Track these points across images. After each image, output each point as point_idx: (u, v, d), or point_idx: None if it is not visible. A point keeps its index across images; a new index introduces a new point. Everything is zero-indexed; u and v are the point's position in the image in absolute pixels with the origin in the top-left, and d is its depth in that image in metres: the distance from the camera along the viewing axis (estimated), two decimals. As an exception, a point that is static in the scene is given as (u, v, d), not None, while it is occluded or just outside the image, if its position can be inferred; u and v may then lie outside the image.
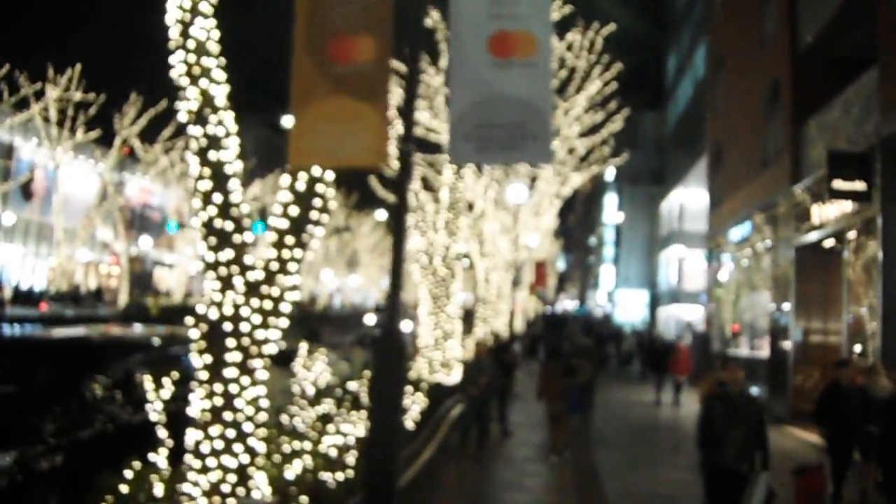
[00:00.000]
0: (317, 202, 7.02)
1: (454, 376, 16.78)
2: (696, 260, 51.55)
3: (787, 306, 20.28)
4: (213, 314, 6.83)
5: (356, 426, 11.77)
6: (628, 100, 33.83)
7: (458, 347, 17.64)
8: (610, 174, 79.26)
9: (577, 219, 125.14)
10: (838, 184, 14.23)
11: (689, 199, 51.10)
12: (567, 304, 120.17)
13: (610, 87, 31.08)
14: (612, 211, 77.80)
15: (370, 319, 50.99)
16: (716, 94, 31.13)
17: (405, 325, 45.29)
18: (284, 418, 11.08)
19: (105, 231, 51.01)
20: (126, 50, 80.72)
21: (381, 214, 73.24)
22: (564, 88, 31.42)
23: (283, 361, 16.67)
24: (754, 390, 22.55)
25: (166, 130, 45.85)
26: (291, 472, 8.07)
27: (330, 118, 6.02)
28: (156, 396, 7.44)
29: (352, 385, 13.81)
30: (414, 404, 13.81)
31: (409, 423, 13.33)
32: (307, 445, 8.67)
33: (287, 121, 6.62)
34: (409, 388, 14.21)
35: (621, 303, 72.18)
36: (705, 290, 31.61)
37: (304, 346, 12.32)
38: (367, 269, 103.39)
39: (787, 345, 19.99)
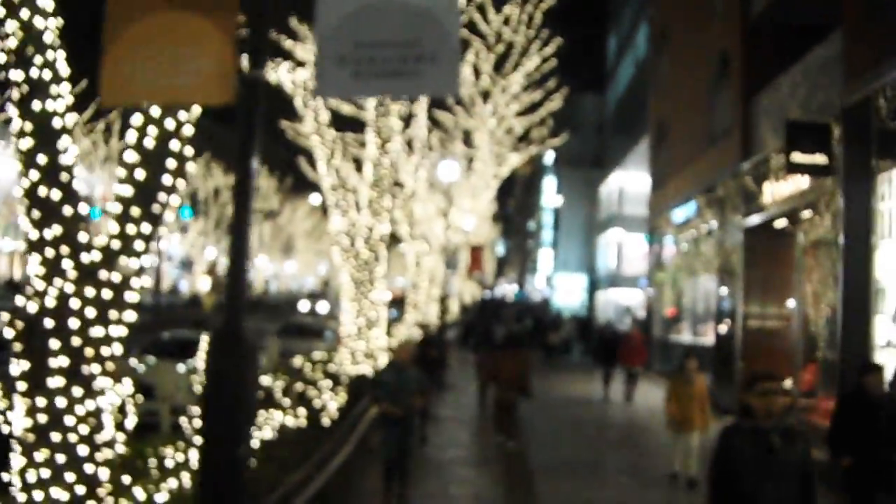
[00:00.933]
0: (170, 163, 5.49)
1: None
2: (636, 244, 51.36)
3: (730, 290, 19.22)
4: (33, 307, 5.28)
5: (263, 428, 10.31)
6: (568, 79, 32.75)
7: (385, 336, 16.16)
8: (549, 157, 78.74)
9: (516, 203, 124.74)
10: (797, 157, 12.95)
11: (629, 182, 50.51)
12: (506, 288, 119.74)
13: (549, 65, 29.97)
14: (550, 194, 76.93)
15: (304, 306, 49.38)
16: (659, 70, 29.99)
17: (321, 309, 43.58)
18: (184, 421, 9.79)
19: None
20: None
21: (316, 198, 71.65)
22: (502, 65, 30.19)
23: (183, 353, 15.18)
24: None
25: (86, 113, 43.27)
26: (164, 493, 6.56)
27: (155, 39, 4.43)
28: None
29: (264, 380, 12.36)
30: (331, 401, 12.38)
31: (326, 420, 11.93)
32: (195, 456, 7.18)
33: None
34: (327, 383, 12.79)
35: (560, 287, 71.34)
36: (646, 274, 30.45)
37: (203, 338, 10.90)
38: (303, 255, 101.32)
39: (732, 331, 18.90)
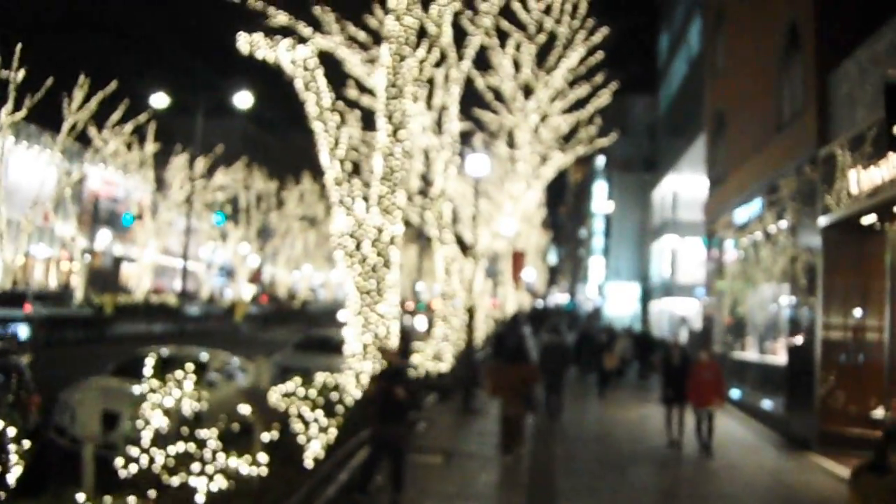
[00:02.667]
0: None
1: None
2: (692, 250, 49.06)
3: (805, 300, 16.49)
4: None
5: (212, 479, 8.05)
6: (617, 75, 30.35)
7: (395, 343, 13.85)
8: (600, 161, 76.32)
9: (567, 210, 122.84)
10: (902, 128, 10.25)
11: (683, 185, 48.92)
12: (558, 298, 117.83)
13: (596, 57, 27.57)
14: (601, 200, 74.30)
15: (343, 316, 47.32)
16: (715, 55, 27.22)
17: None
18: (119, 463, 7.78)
19: (63, 225, 47.98)
20: (71, 32, 77.23)
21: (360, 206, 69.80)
22: (544, 57, 27.84)
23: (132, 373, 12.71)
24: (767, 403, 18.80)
25: (115, 114, 41.80)
26: None
27: None
28: None
29: (243, 409, 10.14)
30: (316, 439, 10.10)
31: (309, 461, 9.70)
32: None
33: None
34: (316, 413, 10.50)
35: (611, 296, 68.61)
36: (703, 282, 27.58)
37: (151, 358, 8.80)
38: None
39: (808, 347, 16.14)
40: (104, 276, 59.43)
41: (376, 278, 12.99)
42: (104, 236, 54.45)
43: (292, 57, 12.97)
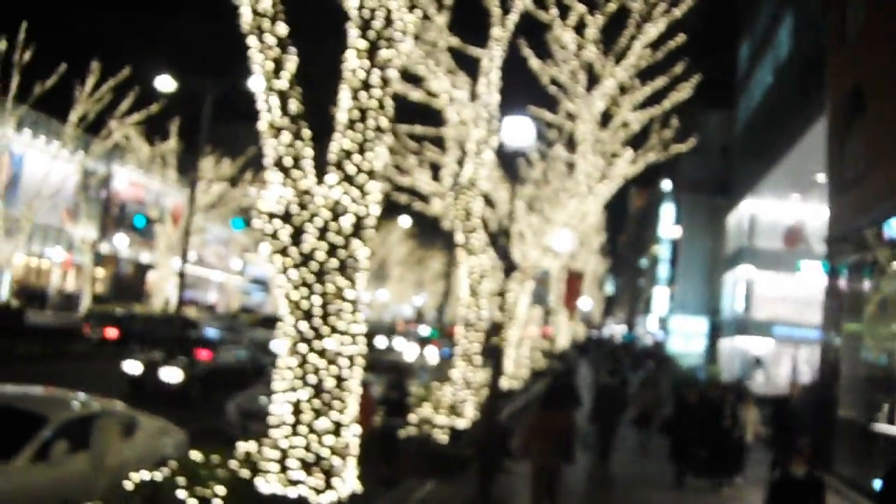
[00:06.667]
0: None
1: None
2: (770, 282, 44.14)
3: None
4: None
5: None
6: (699, 64, 25.07)
7: (356, 425, 8.21)
8: (666, 185, 70.72)
9: (627, 238, 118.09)
10: None
11: (762, 210, 44.49)
12: (614, 329, 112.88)
13: (676, 41, 22.27)
14: (668, 224, 68.52)
15: (381, 342, 41.55)
16: (844, 20, 20.99)
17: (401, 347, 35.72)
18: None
19: (82, 228, 44.50)
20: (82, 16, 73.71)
21: (406, 220, 65.21)
22: (615, 35, 22.58)
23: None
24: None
25: (124, 104, 37.29)
26: None
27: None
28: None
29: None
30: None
31: None
32: None
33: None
34: None
35: (676, 330, 62.60)
36: (823, 319, 20.89)
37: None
38: (396, 284, 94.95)
39: None
40: (127, 285, 55.71)
41: (324, 291, 7.64)
42: (121, 240, 50.32)
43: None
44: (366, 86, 8.05)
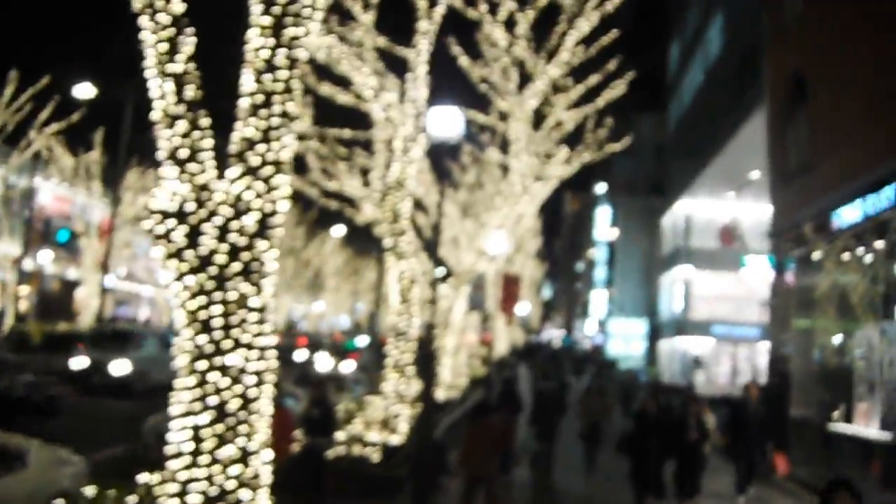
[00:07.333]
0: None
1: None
2: (708, 281, 44.10)
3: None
4: None
5: None
6: (631, 62, 24.53)
7: (269, 451, 7.14)
8: (600, 188, 70.65)
9: (563, 243, 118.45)
10: None
11: (698, 210, 44.65)
12: (553, 334, 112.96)
13: (609, 36, 21.70)
14: (604, 226, 68.32)
15: (300, 356, 39.99)
16: (781, 3, 20.48)
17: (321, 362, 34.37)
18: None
19: (4, 244, 42.60)
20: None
21: (339, 230, 64.08)
22: (545, 30, 21.91)
23: None
24: None
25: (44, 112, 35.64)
26: None
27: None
28: None
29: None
30: None
31: None
32: None
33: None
34: None
35: (615, 333, 62.34)
36: (769, 315, 20.23)
37: None
38: (333, 294, 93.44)
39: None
40: (53, 302, 53.69)
41: (225, 299, 6.67)
42: (45, 256, 48.42)
43: None
44: (271, 67, 7.13)
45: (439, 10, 16.18)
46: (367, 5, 16.81)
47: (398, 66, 16.89)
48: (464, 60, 21.30)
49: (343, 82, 16.78)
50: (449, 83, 21.14)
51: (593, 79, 22.80)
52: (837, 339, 16.13)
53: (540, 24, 21.69)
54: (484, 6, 20.25)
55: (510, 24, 21.16)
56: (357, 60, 16.04)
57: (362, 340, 60.22)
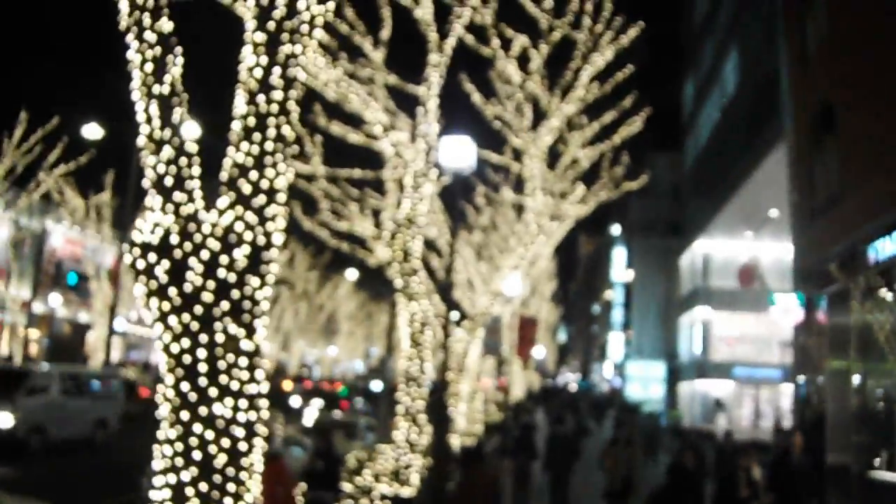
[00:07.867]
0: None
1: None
2: (728, 322, 43.28)
3: None
4: None
5: None
6: (647, 97, 24.03)
7: (255, 486, 6.30)
8: (615, 230, 70.02)
9: (578, 286, 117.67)
10: None
11: (716, 250, 44.24)
12: (569, 377, 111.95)
13: (624, 72, 21.21)
14: (620, 268, 67.54)
15: (295, 402, 37.92)
16: (804, 34, 19.63)
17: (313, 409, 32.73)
18: None
19: (14, 287, 42.43)
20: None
21: (353, 273, 63.40)
22: (560, 66, 21.41)
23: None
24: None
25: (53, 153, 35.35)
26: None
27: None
28: None
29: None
30: None
31: None
32: None
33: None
34: None
35: (633, 376, 61.27)
36: (797, 355, 19.17)
37: None
38: (346, 339, 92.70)
39: None
40: (64, 345, 53.29)
41: (212, 341, 6.00)
42: (55, 300, 48.07)
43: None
44: (265, 87, 6.53)
45: (450, 42, 15.70)
46: (377, 42, 16.47)
47: (409, 103, 16.45)
48: (477, 97, 20.84)
49: (354, 121, 16.35)
50: (461, 122, 20.66)
51: (608, 116, 22.36)
52: (878, 380, 15.21)
53: (554, 60, 21.27)
54: (496, 41, 19.80)
55: (523, 60, 20.71)
56: (367, 94, 15.58)
57: (376, 385, 59.25)
